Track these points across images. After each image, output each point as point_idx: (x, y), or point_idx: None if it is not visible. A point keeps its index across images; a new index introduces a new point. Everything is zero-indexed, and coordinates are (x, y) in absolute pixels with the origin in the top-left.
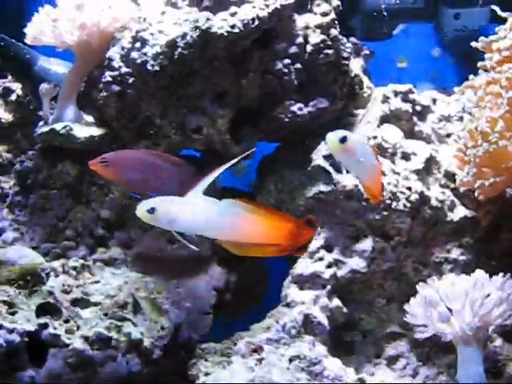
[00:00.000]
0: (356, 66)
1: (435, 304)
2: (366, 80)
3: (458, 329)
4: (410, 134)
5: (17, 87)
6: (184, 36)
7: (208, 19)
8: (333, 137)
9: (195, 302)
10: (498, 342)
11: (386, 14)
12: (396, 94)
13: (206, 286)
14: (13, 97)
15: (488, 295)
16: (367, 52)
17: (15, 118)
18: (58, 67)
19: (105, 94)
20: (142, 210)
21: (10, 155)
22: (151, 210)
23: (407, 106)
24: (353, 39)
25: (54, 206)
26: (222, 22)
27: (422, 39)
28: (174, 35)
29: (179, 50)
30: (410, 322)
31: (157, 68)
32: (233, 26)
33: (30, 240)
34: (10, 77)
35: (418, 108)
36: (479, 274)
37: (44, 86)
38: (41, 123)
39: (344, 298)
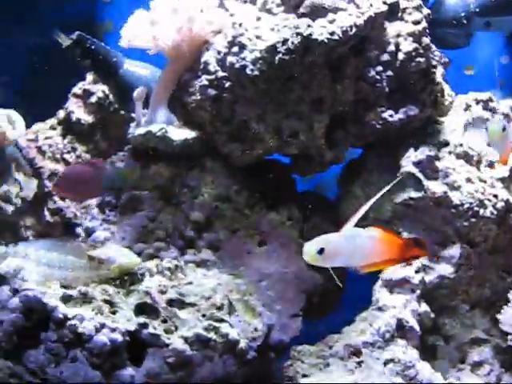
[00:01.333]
0: (438, 74)
1: None
2: (446, 88)
3: None
4: None
5: (97, 89)
6: (285, 42)
7: (309, 26)
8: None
9: (286, 304)
10: None
11: (465, 21)
12: (477, 102)
13: (296, 289)
14: (93, 99)
15: None
16: (446, 60)
17: (95, 119)
18: (142, 70)
19: (199, 97)
20: (310, 251)
21: (89, 155)
22: (320, 251)
23: (488, 114)
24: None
25: (144, 207)
26: (321, 29)
27: (491, 47)
28: (273, 41)
29: (280, 55)
30: (504, 330)
31: (256, 73)
32: (332, 33)
33: (120, 240)
34: (89, 79)
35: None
36: None
37: (138, 90)
38: (133, 125)
39: (429, 303)
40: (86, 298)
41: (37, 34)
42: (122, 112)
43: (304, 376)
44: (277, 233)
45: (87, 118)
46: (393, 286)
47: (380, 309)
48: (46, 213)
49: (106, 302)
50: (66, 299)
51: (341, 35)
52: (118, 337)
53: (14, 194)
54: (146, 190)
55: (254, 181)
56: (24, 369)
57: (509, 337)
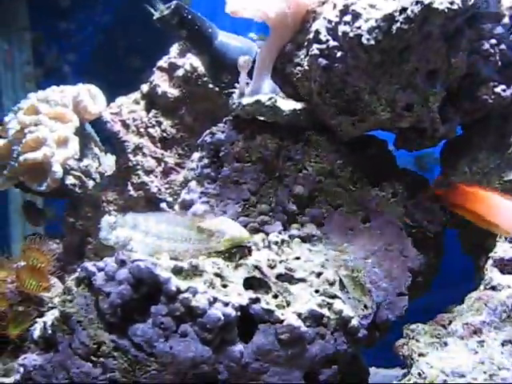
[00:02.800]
0: None
1: None
2: None
3: None
4: None
5: (183, 63)
6: (403, 10)
7: None
8: None
9: (392, 282)
10: None
11: None
12: None
13: (402, 267)
14: (180, 72)
15: None
16: None
17: (181, 93)
18: (236, 42)
19: (308, 67)
20: None
21: (174, 130)
22: None
23: None
24: None
25: (247, 180)
26: None
27: None
28: (391, 9)
29: (398, 24)
30: None
31: (372, 42)
32: (452, 3)
33: (221, 214)
34: (174, 52)
35: None
36: None
37: (243, 58)
38: (235, 95)
39: None
40: (196, 271)
41: (109, 13)
42: (211, 86)
43: (421, 355)
44: (381, 209)
45: (173, 92)
46: (504, 265)
47: (494, 288)
48: (130, 187)
49: (216, 275)
50: (176, 271)
51: (460, 5)
52: (232, 311)
53: (93, 168)
54: (249, 162)
55: (357, 156)
56: (130, 342)
57: None
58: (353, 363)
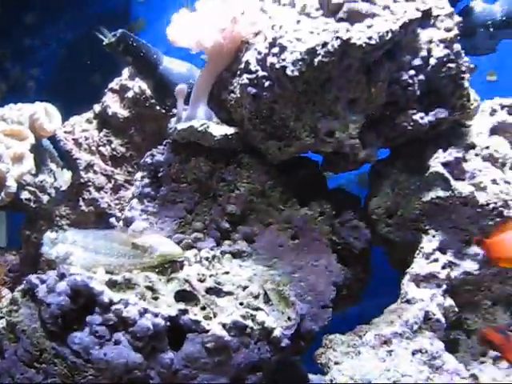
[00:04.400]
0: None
1: None
2: (472, 92)
3: None
4: None
5: (133, 85)
6: (325, 44)
7: (348, 30)
8: None
9: (316, 295)
10: None
11: (492, 29)
12: (502, 107)
13: (327, 281)
14: (129, 94)
15: None
16: (471, 66)
17: (131, 113)
18: (180, 67)
19: (239, 95)
20: None
21: (124, 149)
22: None
23: None
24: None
25: (183, 199)
26: (360, 34)
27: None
28: (314, 43)
29: (319, 57)
30: None
31: (296, 73)
32: (370, 38)
33: (159, 230)
34: (125, 75)
35: None
36: None
37: (180, 86)
38: (173, 120)
39: (454, 298)
40: (129, 284)
41: (73, 29)
42: (158, 108)
43: (336, 363)
44: (309, 227)
45: (123, 113)
46: (420, 280)
47: (408, 301)
48: (82, 203)
49: (148, 288)
50: (111, 284)
51: (378, 40)
52: (160, 321)
53: (48, 184)
54: (185, 183)
55: (287, 177)
56: (69, 350)
57: None
58: (291, 370)
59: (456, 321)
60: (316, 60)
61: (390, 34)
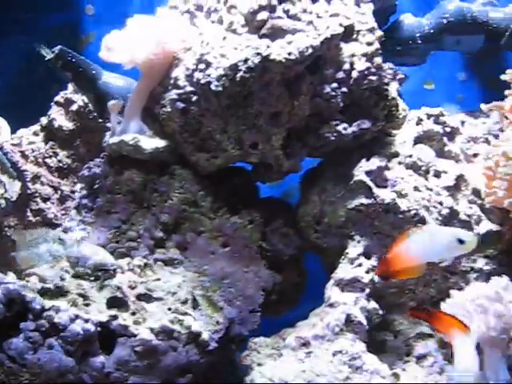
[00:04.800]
0: (393, 89)
1: (462, 309)
2: (401, 102)
3: (483, 331)
4: (441, 153)
5: (78, 98)
6: (246, 61)
7: (268, 46)
8: None
9: (245, 300)
10: None
11: (420, 41)
12: (429, 116)
13: (256, 287)
14: (74, 107)
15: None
16: (402, 76)
17: (76, 126)
18: (118, 81)
19: (169, 109)
20: None
21: (69, 160)
22: None
23: (438, 128)
24: (390, 64)
25: (118, 210)
26: (280, 50)
27: (449, 64)
28: (236, 59)
29: (241, 73)
30: None
31: (220, 88)
32: (290, 54)
33: (96, 239)
34: (70, 88)
35: (448, 129)
36: (504, 281)
37: (112, 102)
38: (108, 134)
39: (379, 301)
40: (62, 292)
41: (23, 43)
42: (100, 120)
43: (259, 365)
44: (239, 235)
45: (68, 125)
46: (344, 284)
47: (331, 305)
48: (29, 213)
49: (80, 295)
50: (43, 292)
51: (297, 55)
52: (91, 327)
53: None
54: (119, 194)
55: (219, 187)
56: (5, 355)
57: None
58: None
59: (383, 322)
60: (238, 76)
61: (310, 50)
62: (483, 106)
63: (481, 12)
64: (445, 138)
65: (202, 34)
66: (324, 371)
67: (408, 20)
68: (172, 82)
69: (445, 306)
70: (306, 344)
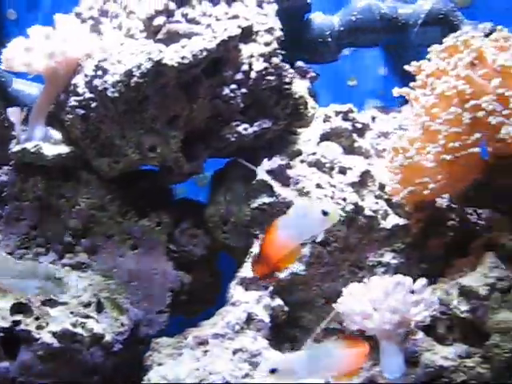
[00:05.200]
0: (302, 87)
1: (359, 303)
2: (310, 101)
3: (379, 324)
4: (350, 149)
5: None
6: (139, 66)
7: (160, 51)
8: None
9: (152, 302)
10: (419, 335)
11: (330, 39)
12: (337, 113)
13: (162, 288)
14: None
15: (408, 296)
16: (313, 74)
17: None
18: (30, 88)
19: (71, 116)
20: None
21: None
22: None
23: (347, 124)
24: (299, 63)
25: (26, 217)
26: (173, 54)
27: (371, 59)
28: (130, 65)
29: (135, 78)
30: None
31: (116, 95)
32: (183, 57)
33: (5, 246)
34: None
35: (358, 126)
36: (401, 276)
37: (11, 109)
38: (14, 142)
39: (287, 298)
40: None
41: None
42: None
43: (159, 364)
44: (147, 237)
45: None
46: (248, 283)
47: (233, 304)
48: None
49: None
50: None
51: (191, 59)
52: None
53: None
54: (27, 201)
55: (127, 190)
56: None
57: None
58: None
59: (293, 319)
60: (132, 81)
61: (204, 53)
62: (395, 91)
63: (390, 8)
64: (354, 135)
65: (103, 41)
66: (218, 369)
67: (318, 18)
68: (72, 88)
69: (342, 300)
70: (203, 343)
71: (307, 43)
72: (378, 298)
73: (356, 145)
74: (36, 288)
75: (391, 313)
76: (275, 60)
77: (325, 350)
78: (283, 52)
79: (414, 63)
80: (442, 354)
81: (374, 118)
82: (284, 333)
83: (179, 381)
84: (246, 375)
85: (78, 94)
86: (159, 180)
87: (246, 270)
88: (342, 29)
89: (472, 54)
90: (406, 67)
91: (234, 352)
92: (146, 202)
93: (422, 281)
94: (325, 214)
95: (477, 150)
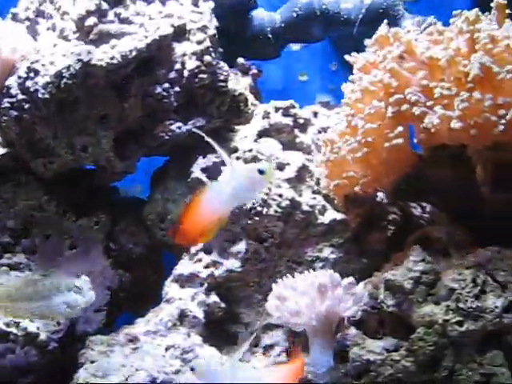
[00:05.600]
0: (242, 84)
1: (286, 299)
2: (251, 98)
3: (306, 321)
4: (291, 145)
5: None
6: (68, 68)
7: (89, 52)
8: None
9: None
10: (351, 330)
11: (271, 35)
12: (277, 109)
13: (100, 286)
14: None
15: (336, 291)
16: (255, 71)
17: None
18: None
19: (6, 117)
20: None
21: None
22: None
23: (288, 120)
24: (241, 60)
25: None
26: (102, 55)
27: (322, 54)
28: (60, 67)
29: (64, 80)
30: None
31: (47, 96)
32: (112, 58)
33: None
34: None
35: (300, 121)
36: (329, 272)
37: None
38: None
39: (225, 295)
40: None
41: None
42: None
43: (92, 362)
44: (85, 237)
45: None
46: (183, 280)
47: (168, 301)
48: None
49: None
50: None
51: (120, 59)
52: None
53: None
54: None
55: (66, 190)
56: None
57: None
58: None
59: (232, 315)
60: (62, 82)
61: (134, 52)
62: (343, 86)
63: (332, 4)
64: (296, 130)
65: (37, 42)
66: (146, 366)
67: (260, 15)
68: (6, 90)
69: (270, 298)
70: (133, 340)
71: (249, 40)
72: (305, 295)
73: (297, 140)
74: (63, 303)
75: (318, 309)
76: (208, 58)
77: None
78: (221, 50)
79: (352, 55)
80: (369, 348)
81: (316, 114)
82: (223, 329)
83: (107, 378)
84: (178, 371)
85: (11, 96)
86: (96, 180)
87: (182, 267)
88: (282, 25)
89: (401, 47)
90: (346, 57)
91: (167, 348)
92: (86, 201)
93: (350, 278)
94: (261, 172)
95: (399, 141)
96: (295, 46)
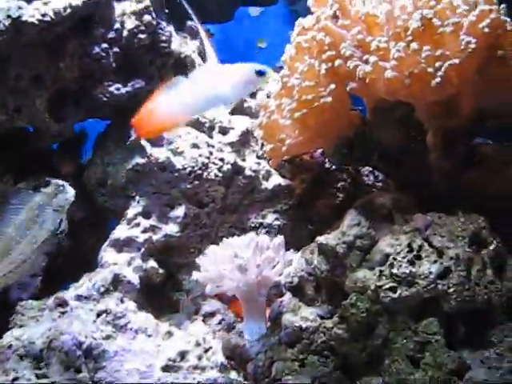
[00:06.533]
0: (190, 47)
1: (217, 264)
2: (198, 60)
3: (239, 285)
4: (240, 110)
5: None
6: None
7: (20, 8)
8: None
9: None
10: (286, 296)
11: None
12: None
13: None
14: None
15: (263, 255)
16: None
17: None
18: None
19: None
20: None
21: None
22: None
23: None
24: (190, 23)
25: None
26: (33, 11)
27: (281, 20)
28: None
29: None
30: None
31: None
32: (44, 15)
33: None
34: None
35: None
36: (255, 235)
37: None
38: None
39: (164, 261)
40: None
41: None
42: None
43: (20, 327)
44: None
45: None
46: (120, 245)
47: (102, 266)
48: None
49: None
50: None
51: (53, 16)
52: None
53: None
54: None
55: (4, 153)
56: None
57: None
58: None
59: (174, 282)
60: None
61: (68, 10)
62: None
63: None
64: None
65: None
66: (76, 330)
67: None
68: None
69: (200, 262)
70: (61, 304)
71: (201, 1)
72: (232, 260)
73: (245, 105)
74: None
75: (244, 273)
76: (147, 18)
77: None
78: (166, 11)
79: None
80: (302, 315)
81: None
82: (164, 296)
83: (31, 341)
84: (108, 337)
85: None
86: (34, 142)
87: (119, 232)
88: None
89: (334, 6)
90: (290, 33)
91: (99, 314)
92: (25, 165)
93: (279, 239)
94: (261, 74)
95: (328, 100)
96: (254, 11)
